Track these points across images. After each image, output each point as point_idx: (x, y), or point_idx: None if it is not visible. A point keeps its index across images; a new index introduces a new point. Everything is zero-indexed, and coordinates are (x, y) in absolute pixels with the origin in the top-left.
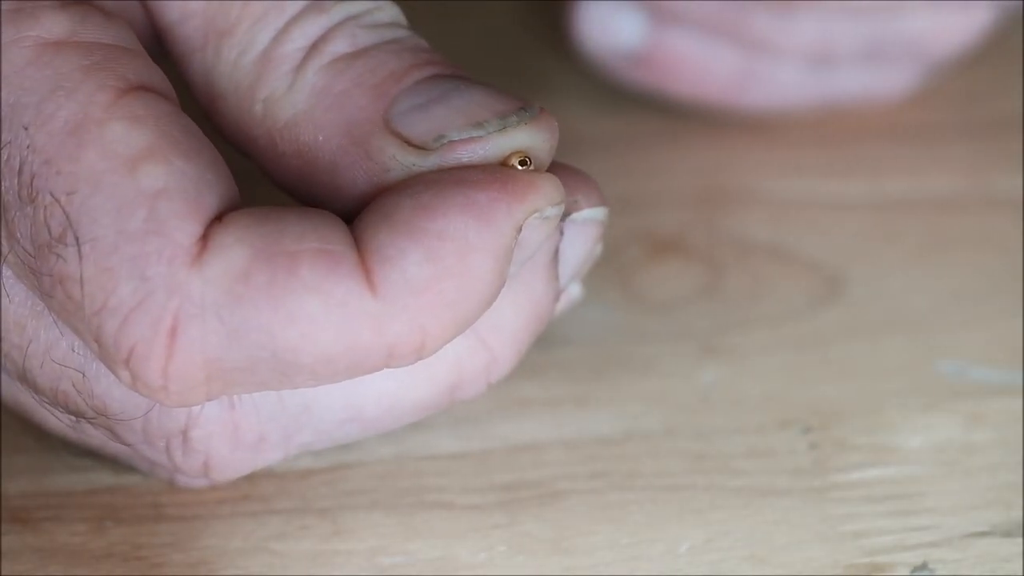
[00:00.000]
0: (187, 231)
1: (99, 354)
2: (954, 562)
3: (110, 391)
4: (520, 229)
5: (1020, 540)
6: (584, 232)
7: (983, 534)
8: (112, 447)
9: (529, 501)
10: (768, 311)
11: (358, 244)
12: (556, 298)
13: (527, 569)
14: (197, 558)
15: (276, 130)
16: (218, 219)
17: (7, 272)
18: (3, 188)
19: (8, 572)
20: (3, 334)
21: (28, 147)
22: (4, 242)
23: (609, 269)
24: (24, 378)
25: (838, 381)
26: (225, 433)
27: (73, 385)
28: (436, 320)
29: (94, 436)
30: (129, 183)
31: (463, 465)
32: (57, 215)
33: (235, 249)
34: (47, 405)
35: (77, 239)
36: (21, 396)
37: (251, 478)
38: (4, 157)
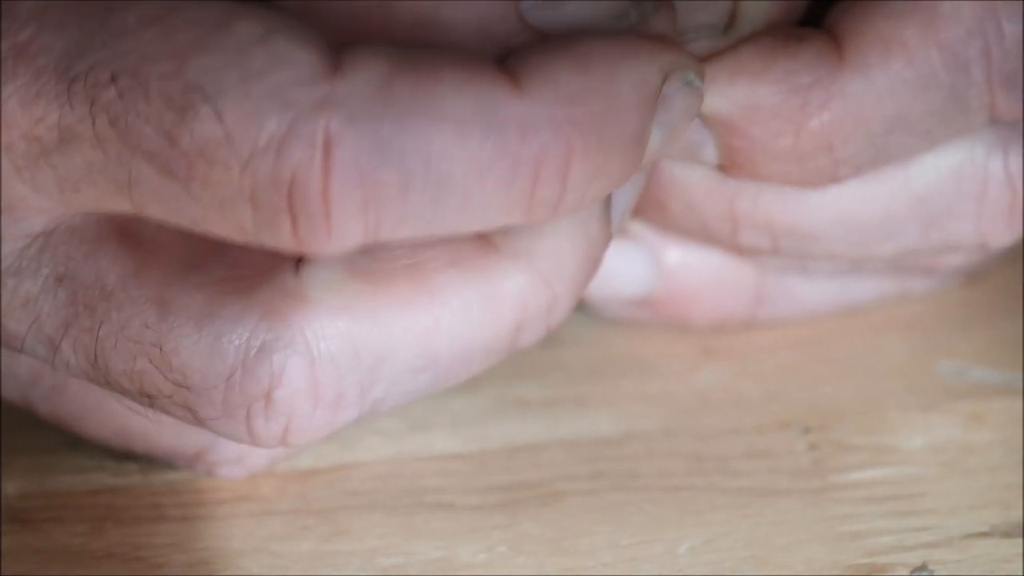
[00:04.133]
0: (312, 50)
1: (252, 225)
2: (954, 563)
3: (190, 360)
4: (664, 80)
5: (1020, 541)
6: (632, 179)
7: (983, 535)
8: (156, 445)
9: (529, 502)
10: None
11: (502, 67)
12: (608, 242)
13: (527, 570)
14: (197, 559)
15: (403, 30)
16: (343, 47)
17: (75, 253)
18: (103, 106)
19: (8, 572)
20: (72, 318)
21: (113, 56)
22: (116, 164)
23: None
24: (95, 364)
25: (838, 381)
26: (307, 391)
27: (151, 361)
28: (582, 137)
29: (142, 435)
30: (229, 38)
31: (463, 466)
32: (176, 89)
33: (373, 60)
34: (118, 392)
35: (207, 99)
36: (65, 403)
37: (251, 478)
38: (90, 81)
